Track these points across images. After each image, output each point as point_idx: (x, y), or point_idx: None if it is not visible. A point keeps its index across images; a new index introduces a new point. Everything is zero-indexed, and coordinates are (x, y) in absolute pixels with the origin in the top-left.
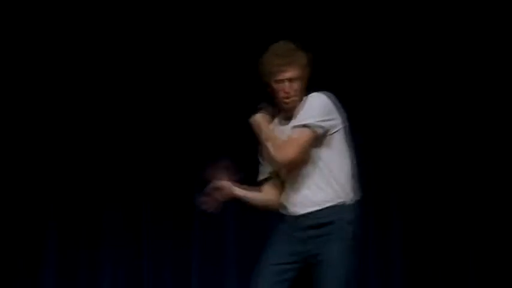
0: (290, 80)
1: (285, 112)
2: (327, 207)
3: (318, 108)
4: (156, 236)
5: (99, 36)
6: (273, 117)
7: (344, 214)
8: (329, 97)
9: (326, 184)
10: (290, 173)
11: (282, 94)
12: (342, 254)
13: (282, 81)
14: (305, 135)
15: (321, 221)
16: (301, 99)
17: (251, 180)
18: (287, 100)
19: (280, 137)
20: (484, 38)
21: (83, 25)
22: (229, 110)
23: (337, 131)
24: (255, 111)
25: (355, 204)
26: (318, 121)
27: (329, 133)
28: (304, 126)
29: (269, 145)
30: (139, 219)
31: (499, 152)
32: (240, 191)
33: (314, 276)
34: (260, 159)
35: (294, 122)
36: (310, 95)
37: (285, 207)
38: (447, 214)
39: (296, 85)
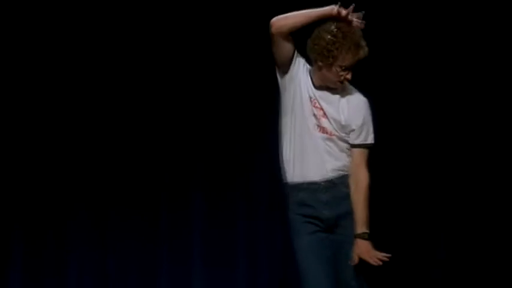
0: (350, 69)
1: (324, 83)
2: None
3: (371, 122)
4: (122, 237)
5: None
6: None
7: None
8: None
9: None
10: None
11: (340, 78)
12: None
13: (347, 67)
14: (367, 154)
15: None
16: None
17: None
18: (341, 84)
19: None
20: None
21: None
22: (197, 111)
23: None
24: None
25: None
26: (374, 137)
27: None
28: (367, 147)
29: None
30: (105, 220)
31: (475, 152)
32: None
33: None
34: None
35: (350, 122)
36: (362, 97)
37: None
38: (418, 212)
39: (351, 73)
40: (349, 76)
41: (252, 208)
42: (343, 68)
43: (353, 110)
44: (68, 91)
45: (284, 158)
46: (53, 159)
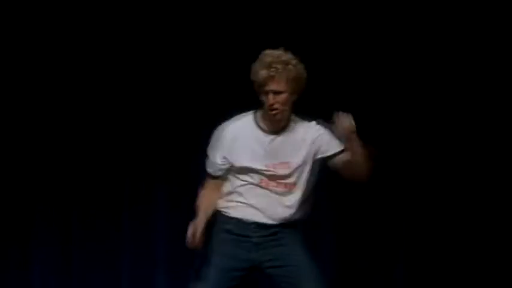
0: (274, 92)
1: (270, 121)
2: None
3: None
4: (86, 237)
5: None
6: None
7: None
8: None
9: (303, 203)
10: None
11: (266, 105)
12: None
13: (267, 92)
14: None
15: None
16: (288, 114)
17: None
18: (271, 112)
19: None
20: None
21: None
22: (158, 112)
23: None
24: None
25: None
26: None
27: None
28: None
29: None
30: (69, 219)
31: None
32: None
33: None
34: (212, 156)
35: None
36: (311, 123)
37: (252, 214)
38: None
39: (281, 98)
40: (271, 101)
41: None
42: (262, 91)
43: (316, 137)
44: (24, 91)
45: (228, 189)
46: (15, 158)
